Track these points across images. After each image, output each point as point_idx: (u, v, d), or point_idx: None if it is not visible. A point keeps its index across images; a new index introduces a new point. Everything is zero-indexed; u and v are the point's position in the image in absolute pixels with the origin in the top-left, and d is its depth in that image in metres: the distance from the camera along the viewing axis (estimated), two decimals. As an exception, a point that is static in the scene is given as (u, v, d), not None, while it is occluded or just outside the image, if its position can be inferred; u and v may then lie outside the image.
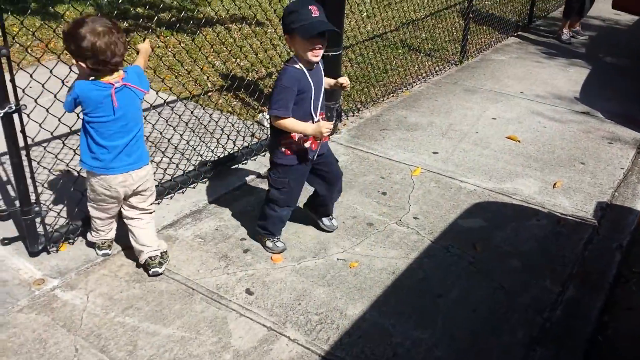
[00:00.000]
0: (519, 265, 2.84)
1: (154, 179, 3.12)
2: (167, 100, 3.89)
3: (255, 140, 3.85)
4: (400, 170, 3.69)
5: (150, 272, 2.58)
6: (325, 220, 2.97)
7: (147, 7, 6.30)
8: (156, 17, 5.79)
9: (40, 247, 2.62)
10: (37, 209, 2.54)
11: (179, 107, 3.95)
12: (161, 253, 2.60)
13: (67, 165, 3.02)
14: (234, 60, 5.03)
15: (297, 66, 2.48)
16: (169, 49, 5.10)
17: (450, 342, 2.35)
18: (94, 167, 2.39)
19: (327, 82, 2.68)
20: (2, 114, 2.27)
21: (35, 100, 2.59)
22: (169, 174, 3.32)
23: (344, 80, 2.63)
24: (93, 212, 2.58)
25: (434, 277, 2.72)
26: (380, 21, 6.25)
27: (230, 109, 4.25)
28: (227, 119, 3.89)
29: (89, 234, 2.70)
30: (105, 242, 2.69)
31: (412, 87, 5.13)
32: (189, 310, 2.42)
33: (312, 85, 2.50)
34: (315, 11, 2.35)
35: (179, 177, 3.26)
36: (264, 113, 4.26)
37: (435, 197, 3.40)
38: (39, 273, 2.57)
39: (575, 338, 2.42)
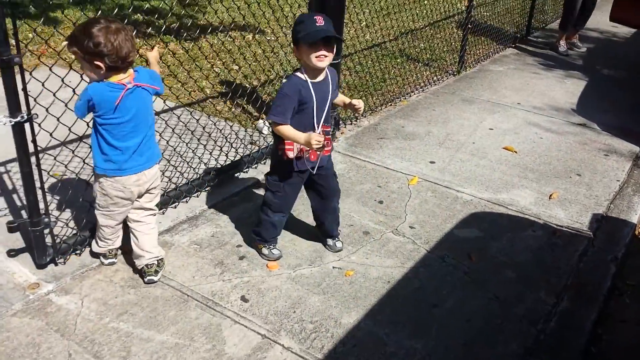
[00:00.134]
0: (514, 276, 2.84)
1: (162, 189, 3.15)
2: (166, 108, 3.89)
3: (255, 148, 3.85)
4: (397, 179, 3.69)
5: (145, 280, 2.58)
6: (329, 241, 2.94)
7: (146, 13, 6.33)
8: (157, 23, 5.81)
9: (48, 259, 2.60)
10: (46, 220, 2.51)
11: (179, 114, 3.95)
12: (158, 261, 2.60)
13: (77, 175, 3.01)
14: (233, 67, 5.05)
15: (301, 76, 2.51)
16: (169, 55, 5.11)
17: (444, 352, 2.35)
18: (107, 169, 2.39)
19: (342, 99, 2.72)
20: (13, 123, 2.26)
21: (47, 110, 2.55)
22: (173, 182, 3.32)
23: (357, 102, 2.64)
24: (102, 221, 2.55)
25: (429, 287, 2.72)
26: (379, 30, 6.28)
27: (229, 115, 4.26)
28: (223, 126, 3.90)
29: (94, 244, 2.67)
30: (112, 250, 2.68)
31: (410, 96, 5.15)
32: (184, 317, 2.42)
33: (315, 97, 2.52)
34: (320, 21, 2.41)
35: (184, 186, 3.25)
36: (263, 120, 4.28)
37: (431, 206, 3.41)
38: (34, 277, 2.57)
39: (569, 350, 2.43)
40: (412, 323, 2.49)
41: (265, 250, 2.84)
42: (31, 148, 2.40)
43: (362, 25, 6.49)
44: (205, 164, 3.56)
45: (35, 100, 2.37)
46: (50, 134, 2.63)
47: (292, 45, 2.54)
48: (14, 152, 2.97)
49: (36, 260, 2.60)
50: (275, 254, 2.84)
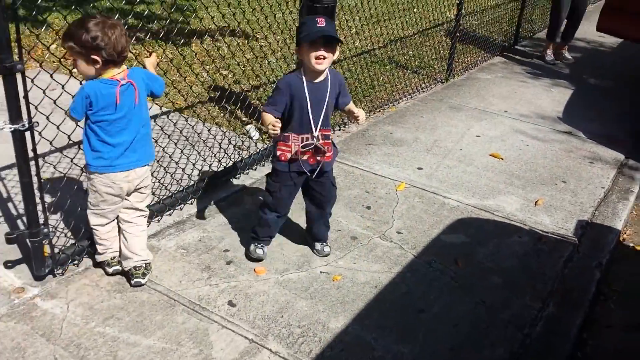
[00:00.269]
0: (500, 281, 2.86)
1: (157, 197, 3.14)
2: (162, 113, 3.88)
3: (246, 153, 3.85)
4: (385, 185, 3.71)
5: (132, 282, 2.56)
6: (317, 244, 2.95)
7: (135, 17, 6.32)
8: (146, 27, 5.80)
9: (47, 271, 2.55)
10: (45, 230, 2.47)
11: (169, 119, 3.95)
12: (146, 264, 2.59)
13: (75, 184, 2.97)
14: (220, 73, 5.05)
15: (298, 74, 2.56)
16: (159, 59, 5.10)
17: (431, 357, 2.36)
18: (98, 166, 2.39)
19: (349, 108, 2.75)
20: (13, 129, 2.23)
21: (47, 118, 2.50)
22: (167, 188, 3.30)
23: (357, 112, 2.70)
24: (93, 220, 2.54)
25: (416, 292, 2.73)
26: (368, 38, 6.32)
27: (219, 120, 4.26)
28: (215, 131, 3.90)
29: (96, 255, 2.65)
30: (114, 257, 2.64)
31: (399, 103, 5.18)
32: (170, 322, 2.41)
33: (309, 97, 2.55)
34: (321, 22, 2.45)
35: (179, 193, 3.23)
36: (252, 125, 4.28)
37: (418, 212, 3.43)
38: (19, 282, 2.55)
39: (555, 354, 2.45)
40: (400, 328, 2.50)
41: (252, 247, 2.85)
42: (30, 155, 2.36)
43: (351, 32, 6.53)
44: (199, 169, 3.55)
45: (36, 108, 2.33)
46: (51, 142, 2.59)
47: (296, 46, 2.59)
48: (8, 159, 2.95)
49: (34, 271, 2.54)
50: (258, 254, 2.83)
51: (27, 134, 2.29)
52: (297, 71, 2.59)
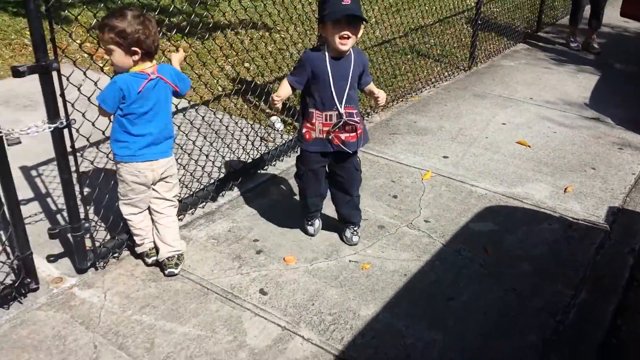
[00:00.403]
0: (531, 269, 2.85)
1: (188, 189, 3.17)
2: (180, 107, 3.92)
3: (272, 144, 3.87)
4: (411, 174, 3.71)
5: (166, 272, 2.61)
6: (347, 231, 2.96)
7: (158, 11, 6.36)
8: (166, 21, 5.84)
9: (89, 264, 2.61)
10: (86, 225, 2.52)
11: (196, 112, 3.99)
12: (178, 255, 2.63)
13: (112, 179, 3.00)
14: (244, 65, 5.07)
15: (322, 50, 2.56)
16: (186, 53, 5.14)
17: (462, 345, 2.37)
18: (123, 156, 2.45)
19: (369, 88, 2.76)
20: (52, 129, 2.27)
21: (83, 115, 2.53)
22: (200, 182, 3.33)
23: (378, 92, 2.71)
24: (125, 210, 2.59)
25: (445, 280, 2.74)
26: (388, 27, 6.29)
27: (244, 113, 4.29)
28: (240, 123, 3.92)
29: (135, 247, 2.70)
30: (152, 248, 2.69)
31: (422, 92, 5.16)
32: (204, 309, 2.45)
33: (331, 73, 2.54)
34: (346, 0, 2.40)
35: (210, 186, 3.26)
36: (276, 116, 4.30)
37: (446, 200, 3.42)
38: (57, 272, 2.61)
39: (588, 341, 2.44)
40: (430, 316, 2.51)
41: (305, 224, 3.01)
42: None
43: (371, 22, 6.50)
44: (228, 161, 3.58)
45: (72, 105, 2.36)
46: (87, 139, 2.63)
47: (318, 24, 2.60)
48: (44, 156, 2.98)
49: (77, 265, 2.60)
50: (308, 230, 2.99)
51: (65, 131, 2.34)
52: (321, 46, 2.59)
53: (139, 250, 2.70)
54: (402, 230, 3.12)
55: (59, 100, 2.27)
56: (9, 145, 2.17)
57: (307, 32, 5.13)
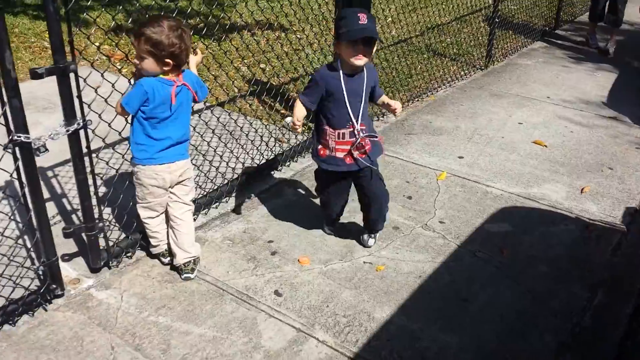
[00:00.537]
0: (547, 270, 2.83)
1: (202, 189, 3.20)
2: (206, 107, 3.94)
3: (286, 145, 3.89)
4: (426, 175, 3.70)
5: (182, 277, 2.65)
6: (364, 235, 2.96)
7: (176, 13, 6.41)
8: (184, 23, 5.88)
9: (102, 263, 2.65)
10: (100, 224, 2.56)
11: (212, 113, 4.01)
12: (194, 259, 2.66)
13: (127, 179, 3.04)
14: (260, 67, 5.10)
15: (335, 68, 2.55)
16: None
17: (478, 347, 2.36)
18: (142, 159, 2.48)
19: (382, 99, 2.75)
20: (71, 131, 2.30)
21: (100, 116, 2.55)
22: (213, 182, 3.36)
23: (394, 103, 2.68)
24: (143, 213, 2.62)
25: (461, 282, 2.73)
26: (404, 26, 6.27)
27: (259, 114, 4.31)
28: (255, 124, 3.94)
29: (150, 248, 2.74)
30: (167, 249, 2.73)
31: (437, 91, 5.14)
32: (220, 311, 2.48)
33: (345, 90, 2.54)
34: (363, 19, 2.40)
35: (224, 187, 3.29)
36: (291, 117, 4.31)
37: (461, 201, 3.41)
38: (74, 273, 2.65)
39: (605, 344, 2.41)
40: (445, 318, 2.50)
41: (324, 226, 3.07)
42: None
43: (387, 21, 6.49)
44: (242, 162, 3.61)
45: (89, 107, 2.39)
46: (103, 140, 2.67)
47: (334, 39, 2.59)
48: (59, 156, 3.02)
49: (90, 264, 2.64)
50: (326, 230, 3.05)
51: (81, 132, 2.37)
52: (334, 63, 2.58)
53: (154, 251, 2.74)
54: (417, 231, 3.11)
55: (76, 101, 2.30)
56: (39, 154, 2.20)
57: (323, 32, 5.14)
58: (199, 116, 3.49)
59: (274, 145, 3.84)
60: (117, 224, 2.98)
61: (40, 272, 2.48)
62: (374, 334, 2.40)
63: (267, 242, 2.97)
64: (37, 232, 2.38)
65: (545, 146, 4.14)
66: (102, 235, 2.59)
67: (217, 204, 3.25)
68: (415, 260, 2.87)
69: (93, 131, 2.43)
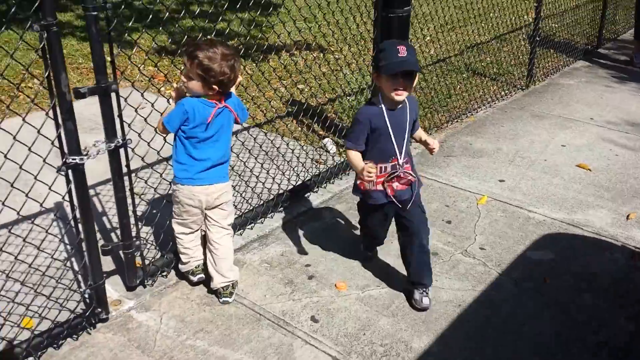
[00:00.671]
0: (591, 300, 2.75)
1: (239, 210, 3.23)
2: (243, 128, 4.00)
3: (324, 167, 3.90)
4: (466, 199, 3.65)
5: (221, 301, 2.66)
6: (416, 292, 2.67)
7: (215, 34, 6.53)
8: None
9: (138, 281, 2.69)
10: (137, 243, 2.60)
11: (249, 134, 4.06)
12: (232, 284, 2.67)
13: (163, 196, 3.10)
14: (297, 87, 5.13)
15: (376, 103, 2.50)
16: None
17: (519, 380, 2.30)
18: (182, 178, 2.52)
19: (419, 134, 2.69)
20: (112, 148, 2.35)
21: (139, 135, 2.64)
22: (246, 200, 3.40)
23: (432, 142, 2.59)
24: (177, 229, 2.66)
25: (502, 312, 2.67)
26: (443, 45, 6.23)
27: (297, 135, 4.33)
28: (294, 145, 3.96)
29: (180, 265, 2.77)
30: (198, 266, 2.75)
31: (477, 112, 5.08)
32: (257, 336, 2.48)
33: (390, 125, 2.49)
34: (402, 51, 2.36)
35: (259, 208, 3.32)
36: (329, 138, 4.32)
37: (502, 227, 3.34)
38: (116, 294, 2.69)
39: (654, 381, 2.32)
40: (485, 349, 2.44)
41: (363, 248, 3.06)
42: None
43: (425, 40, 6.47)
44: (279, 184, 3.63)
45: (129, 126, 2.46)
46: (142, 159, 2.73)
47: (373, 72, 2.55)
48: (96, 176, 3.09)
49: (127, 282, 2.69)
50: (367, 254, 3.04)
51: (121, 151, 2.43)
52: (375, 99, 2.53)
53: (184, 268, 2.76)
54: (457, 257, 3.06)
55: (117, 120, 2.36)
56: (85, 159, 2.26)
57: (361, 52, 5.16)
58: (235, 136, 3.52)
59: (312, 167, 3.84)
60: (153, 243, 3.03)
61: (87, 296, 2.52)
62: (412, 364, 2.36)
63: (305, 265, 2.97)
64: (86, 255, 2.43)
65: (590, 170, 4.03)
66: (138, 253, 2.63)
67: (252, 224, 3.26)
68: (454, 289, 2.82)
69: (133, 150, 2.48)
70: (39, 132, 2.17)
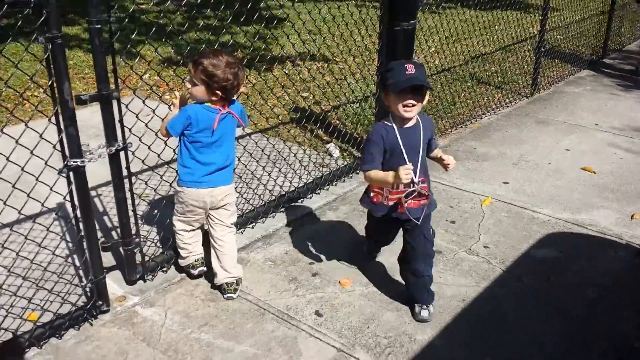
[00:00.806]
0: (595, 297, 2.74)
1: (238, 209, 3.26)
2: (242, 134, 4.04)
3: (326, 170, 3.93)
4: (470, 200, 3.66)
5: (225, 297, 2.68)
6: (416, 306, 2.61)
7: (219, 46, 6.63)
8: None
9: (137, 276, 2.74)
10: (137, 240, 2.66)
11: (251, 139, 4.10)
12: (237, 280, 2.70)
13: (164, 196, 3.15)
14: (301, 95, 5.19)
15: (387, 123, 2.45)
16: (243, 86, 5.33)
17: (523, 372, 2.29)
18: (187, 181, 2.57)
19: (436, 153, 2.60)
20: (113, 152, 2.42)
21: (140, 139, 2.71)
22: (250, 204, 3.43)
23: (447, 158, 2.50)
24: (179, 225, 2.71)
25: (505, 308, 2.66)
26: (448, 56, 6.29)
27: (301, 140, 4.37)
28: (296, 150, 3.99)
29: (179, 260, 2.81)
30: (197, 259, 2.79)
31: (481, 118, 5.11)
32: (261, 329, 2.49)
33: (402, 143, 2.41)
34: (410, 69, 2.32)
35: (261, 208, 3.36)
36: (333, 143, 4.36)
37: (506, 226, 3.35)
38: (121, 290, 2.71)
39: (660, 373, 2.30)
40: (488, 344, 2.44)
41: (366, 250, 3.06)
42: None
43: (430, 51, 6.53)
44: (280, 186, 3.67)
45: (130, 130, 2.53)
46: (143, 161, 2.80)
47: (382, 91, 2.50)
48: (100, 178, 3.16)
49: (126, 277, 2.74)
50: (367, 253, 3.04)
51: (122, 154, 2.48)
52: (385, 119, 2.47)
53: (183, 263, 2.80)
54: (460, 255, 3.07)
55: (118, 125, 2.43)
56: (87, 161, 2.31)
57: (366, 62, 5.21)
58: (238, 141, 3.56)
59: (314, 170, 3.87)
60: (154, 241, 3.07)
61: (88, 289, 2.55)
62: (415, 356, 2.36)
63: (309, 263, 2.98)
64: (87, 251, 2.48)
65: (594, 172, 4.04)
66: (138, 250, 2.68)
67: (253, 224, 3.30)
68: (458, 285, 2.82)
69: (133, 153, 2.53)
70: (41, 136, 2.25)
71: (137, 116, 2.67)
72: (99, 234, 3.14)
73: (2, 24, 7.30)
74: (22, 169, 2.20)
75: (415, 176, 2.42)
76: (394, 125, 2.43)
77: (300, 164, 3.89)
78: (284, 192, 3.54)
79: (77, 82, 5.59)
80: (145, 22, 7.16)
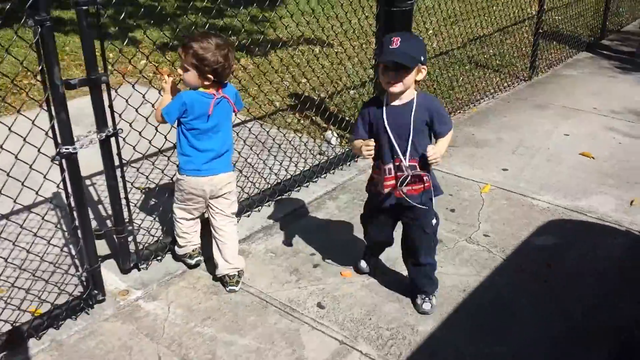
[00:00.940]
0: (595, 284, 2.76)
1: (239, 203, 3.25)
2: (238, 121, 4.02)
3: (324, 158, 3.92)
4: (469, 187, 3.66)
5: (227, 289, 2.69)
6: (418, 298, 2.60)
7: (219, 30, 6.56)
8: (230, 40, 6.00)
9: (131, 265, 2.76)
10: (130, 228, 2.66)
11: (250, 126, 4.09)
12: (238, 272, 2.70)
13: (157, 185, 3.15)
14: (301, 81, 5.15)
15: (380, 97, 2.40)
16: (240, 71, 5.29)
17: (524, 362, 2.31)
18: (187, 169, 2.57)
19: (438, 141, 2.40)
20: (103, 137, 2.40)
21: (130, 125, 2.69)
22: (246, 192, 3.44)
23: (429, 149, 2.28)
24: (178, 213, 2.71)
25: (506, 296, 2.68)
26: (446, 38, 6.24)
27: (299, 127, 4.35)
28: (292, 137, 3.98)
29: (176, 248, 2.82)
30: (195, 249, 2.81)
31: (480, 103, 5.09)
32: (263, 322, 2.50)
33: (387, 122, 2.31)
34: (395, 42, 2.19)
35: (257, 196, 3.36)
36: (331, 131, 4.34)
37: (506, 214, 3.36)
38: (123, 285, 2.72)
39: (659, 361, 2.33)
40: (490, 332, 2.46)
41: (360, 256, 2.84)
42: (116, 161, 2.54)
43: (428, 33, 6.47)
44: (275, 174, 3.66)
45: (120, 116, 2.51)
46: (134, 147, 2.78)
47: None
48: (94, 167, 3.15)
49: (120, 265, 2.77)
50: (360, 264, 2.83)
51: (113, 141, 2.47)
52: (382, 95, 2.40)
53: (181, 252, 2.81)
54: (461, 244, 3.08)
55: (108, 111, 2.41)
56: (78, 148, 2.30)
57: (363, 45, 5.17)
58: (236, 133, 3.56)
59: (312, 159, 3.86)
60: (148, 229, 3.08)
61: (84, 279, 2.57)
62: (418, 347, 2.38)
63: (310, 255, 2.99)
64: (81, 240, 2.48)
65: (593, 158, 4.04)
66: (131, 238, 2.68)
67: (249, 213, 3.30)
68: (459, 274, 2.83)
69: (124, 139, 2.52)
70: (33, 123, 2.22)
71: (127, 101, 2.65)
72: (94, 223, 3.16)
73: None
74: (16, 157, 2.18)
75: (406, 160, 2.32)
76: (384, 101, 2.35)
77: (297, 152, 3.88)
78: (282, 182, 3.54)
79: (74, 69, 5.53)
80: (142, 4, 7.05)
